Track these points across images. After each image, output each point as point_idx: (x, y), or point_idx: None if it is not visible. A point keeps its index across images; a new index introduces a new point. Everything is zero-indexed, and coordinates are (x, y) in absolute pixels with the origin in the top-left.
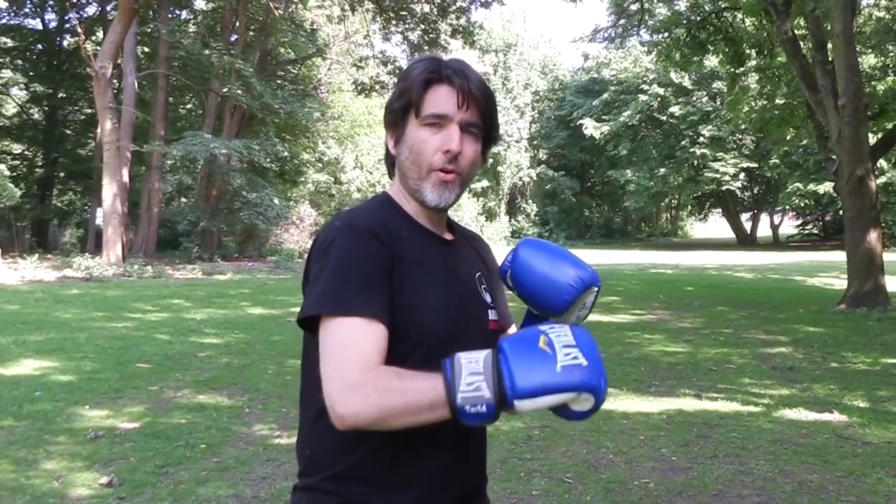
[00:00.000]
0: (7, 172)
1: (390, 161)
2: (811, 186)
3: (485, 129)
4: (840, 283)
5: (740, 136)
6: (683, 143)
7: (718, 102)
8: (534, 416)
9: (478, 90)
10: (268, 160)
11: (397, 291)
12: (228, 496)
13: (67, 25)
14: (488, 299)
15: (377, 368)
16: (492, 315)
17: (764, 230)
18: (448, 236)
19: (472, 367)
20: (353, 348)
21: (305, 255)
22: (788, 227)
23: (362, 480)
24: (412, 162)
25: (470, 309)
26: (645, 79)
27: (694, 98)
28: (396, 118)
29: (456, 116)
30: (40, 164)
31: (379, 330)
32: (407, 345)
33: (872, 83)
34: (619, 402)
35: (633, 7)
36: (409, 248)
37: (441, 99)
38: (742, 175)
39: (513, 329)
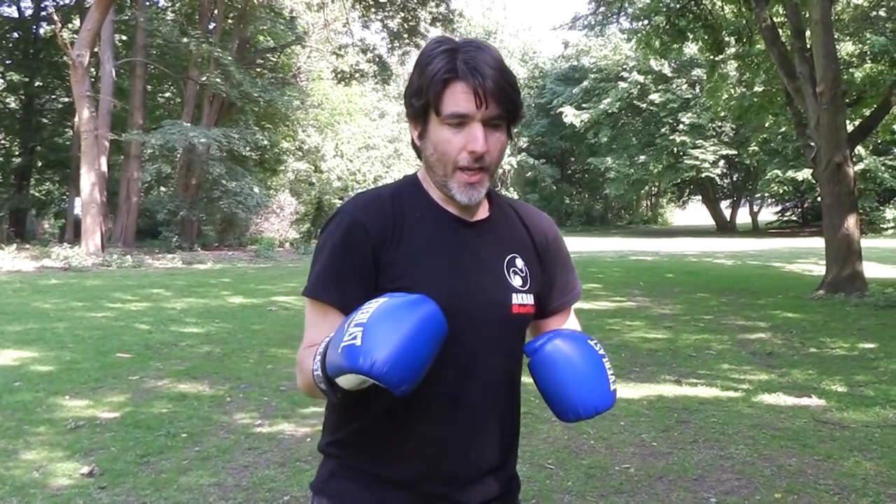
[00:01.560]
0: None
1: (416, 147)
2: (790, 173)
3: (508, 116)
4: (818, 269)
5: (720, 124)
6: (663, 130)
7: (698, 90)
8: None
9: (496, 84)
10: (247, 149)
11: (388, 274)
12: (210, 485)
13: (44, 13)
14: (517, 283)
15: (308, 349)
16: (518, 299)
17: (743, 217)
18: (478, 215)
19: (320, 348)
20: (307, 332)
21: (287, 244)
22: (767, 213)
23: (361, 448)
24: (437, 160)
25: (484, 291)
26: (625, 66)
27: (673, 85)
28: (417, 113)
29: (477, 115)
30: (17, 153)
31: (329, 318)
32: None
33: (850, 70)
34: None
35: None
36: (415, 230)
37: (460, 98)
38: (721, 162)
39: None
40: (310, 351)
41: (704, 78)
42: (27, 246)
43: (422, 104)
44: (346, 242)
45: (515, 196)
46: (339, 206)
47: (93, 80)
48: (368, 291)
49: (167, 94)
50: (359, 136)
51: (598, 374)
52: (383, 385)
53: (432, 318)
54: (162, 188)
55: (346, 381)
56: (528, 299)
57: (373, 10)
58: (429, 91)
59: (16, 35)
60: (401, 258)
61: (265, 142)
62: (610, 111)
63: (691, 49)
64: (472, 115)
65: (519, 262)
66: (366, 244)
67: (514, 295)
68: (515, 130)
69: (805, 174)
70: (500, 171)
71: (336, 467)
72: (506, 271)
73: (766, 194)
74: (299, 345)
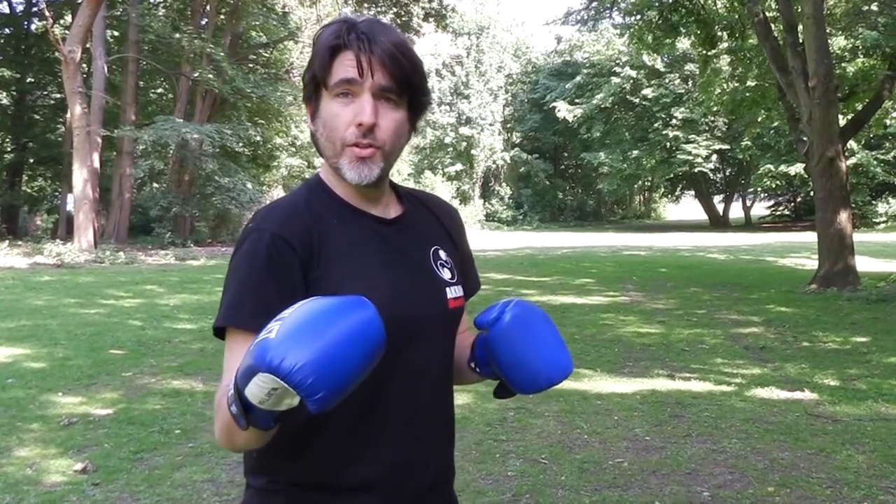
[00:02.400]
0: None
1: (314, 137)
2: (782, 168)
3: (405, 94)
4: (811, 263)
5: (712, 119)
6: (656, 125)
7: (690, 85)
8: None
9: (386, 53)
10: (240, 145)
11: (320, 291)
12: (204, 481)
13: (35, 9)
14: (447, 276)
15: (223, 383)
16: (452, 293)
17: (736, 212)
18: (393, 212)
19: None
20: (224, 367)
21: None
22: (760, 208)
23: (314, 485)
24: (326, 138)
25: (421, 290)
26: (617, 61)
27: (666, 80)
28: (310, 92)
29: (365, 83)
30: (9, 149)
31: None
32: None
33: (843, 65)
34: (594, 383)
35: None
36: (338, 238)
37: (347, 65)
38: (714, 157)
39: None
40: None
41: (697, 73)
42: (19, 242)
43: (310, 77)
44: (271, 262)
45: (508, 191)
46: (250, 221)
47: (85, 76)
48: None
49: (159, 90)
50: None
51: (559, 337)
52: (294, 388)
53: (370, 324)
54: (154, 184)
55: (254, 390)
56: (459, 291)
57: (365, 5)
58: (315, 61)
59: (7, 31)
60: (331, 272)
61: (258, 137)
62: (603, 106)
63: (684, 44)
64: (358, 82)
65: (443, 254)
66: (293, 262)
67: (447, 289)
68: (509, 126)
69: (798, 169)
70: (494, 165)
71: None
72: (434, 266)
73: (759, 189)
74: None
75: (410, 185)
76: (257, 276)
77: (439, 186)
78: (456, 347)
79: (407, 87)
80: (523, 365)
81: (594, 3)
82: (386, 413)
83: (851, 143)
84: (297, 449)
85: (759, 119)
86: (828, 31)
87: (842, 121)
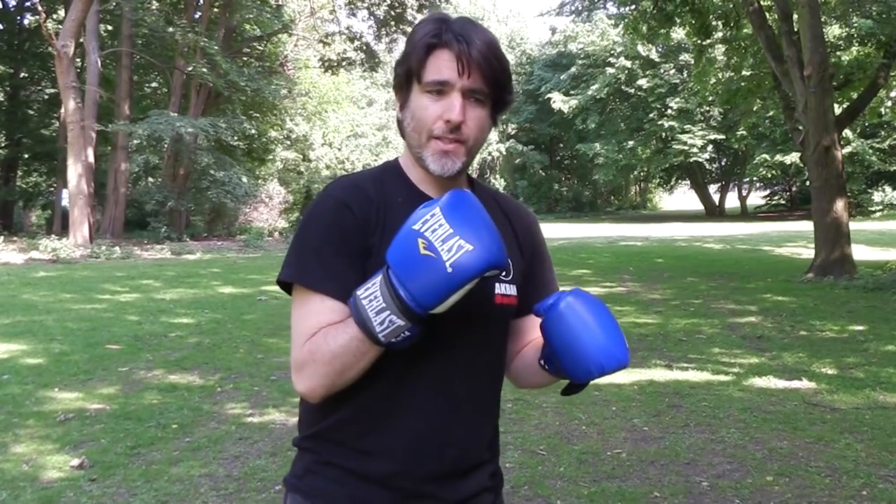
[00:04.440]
0: None
1: (400, 123)
2: (778, 157)
3: (492, 93)
4: (807, 252)
5: (708, 109)
6: (651, 115)
7: (686, 75)
8: (506, 389)
9: (481, 54)
10: (235, 138)
11: (375, 259)
12: (201, 475)
13: (28, 3)
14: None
15: (312, 338)
16: (502, 289)
17: (732, 201)
18: None
19: (374, 304)
20: (301, 325)
21: (276, 233)
22: (756, 197)
23: (338, 442)
24: (413, 129)
25: None
26: (612, 52)
27: (661, 71)
28: (401, 82)
29: (458, 83)
30: (3, 145)
31: (329, 305)
32: None
33: (837, 53)
34: None
35: None
36: (399, 215)
37: (442, 65)
38: (710, 147)
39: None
40: (325, 332)
41: (692, 63)
42: (15, 238)
43: (404, 71)
44: (336, 223)
45: (503, 183)
46: (320, 190)
47: (78, 70)
48: (361, 275)
49: (154, 84)
50: (347, 125)
51: (617, 327)
52: (494, 267)
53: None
54: (150, 179)
55: (459, 294)
56: (511, 290)
57: None
58: (412, 57)
59: (0, 26)
60: (386, 243)
61: (253, 131)
62: (598, 97)
63: (679, 34)
64: (452, 82)
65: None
66: (354, 225)
67: (496, 284)
68: (503, 117)
69: (793, 158)
70: (489, 157)
71: (311, 463)
72: None
73: (755, 178)
74: (290, 343)
75: None
76: (324, 238)
77: None
78: (528, 353)
79: (497, 86)
80: (575, 350)
81: None
82: (415, 389)
83: (847, 132)
84: (331, 407)
85: (755, 108)
86: (822, 19)
87: (837, 109)
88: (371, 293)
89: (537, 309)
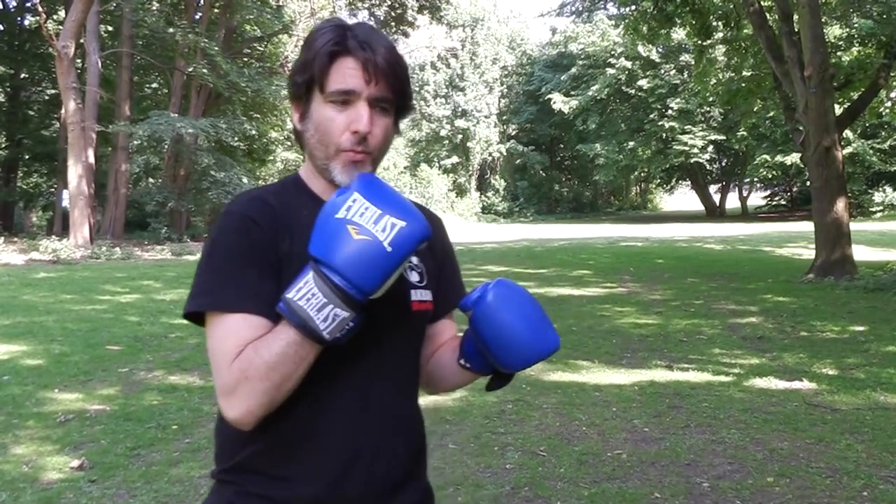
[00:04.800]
0: None
1: (297, 133)
2: (778, 158)
3: (397, 101)
4: (808, 252)
5: (708, 109)
6: (652, 116)
7: (686, 75)
8: (506, 390)
9: (386, 62)
10: (235, 139)
11: (287, 274)
12: (201, 477)
13: (28, 4)
14: (414, 278)
15: (240, 357)
16: (417, 295)
17: (732, 202)
18: None
19: (314, 301)
20: (222, 347)
21: None
22: (756, 198)
23: (260, 472)
24: (318, 141)
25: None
26: (612, 52)
27: (662, 71)
28: (300, 92)
29: (364, 93)
30: (4, 146)
31: (249, 322)
32: None
33: (838, 54)
34: (592, 375)
35: None
36: (307, 227)
37: (347, 73)
38: (710, 147)
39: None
40: (254, 346)
41: (692, 63)
42: (15, 239)
43: (305, 80)
44: (243, 239)
45: (504, 184)
46: (225, 206)
47: (79, 71)
48: (277, 287)
49: (154, 85)
50: None
51: (543, 313)
52: (423, 237)
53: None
54: (150, 179)
55: (398, 273)
56: (427, 295)
57: None
58: (314, 65)
59: (0, 27)
60: (296, 254)
61: (253, 132)
62: (598, 97)
63: (679, 34)
64: (358, 91)
65: (413, 258)
66: (262, 237)
67: (412, 291)
68: (504, 118)
69: (794, 158)
70: (490, 158)
71: (233, 495)
72: None
73: (755, 179)
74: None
75: (406, 178)
76: (234, 257)
77: (435, 179)
78: (443, 355)
79: (400, 94)
80: (511, 341)
81: None
82: (336, 408)
83: (847, 133)
84: (250, 435)
85: (755, 109)
86: (823, 20)
87: (837, 110)
88: (306, 292)
89: (464, 304)
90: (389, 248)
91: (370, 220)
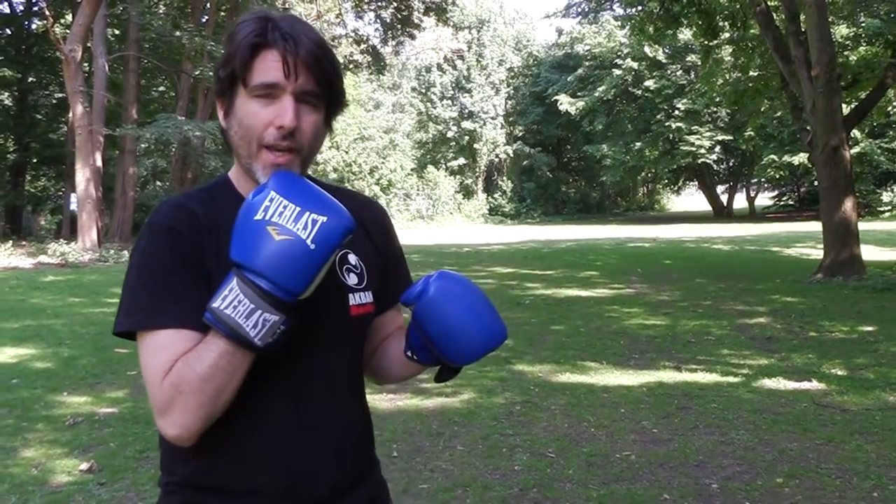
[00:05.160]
0: None
1: (224, 132)
2: (786, 158)
3: (325, 95)
4: (816, 252)
5: (715, 109)
6: (658, 116)
7: (693, 76)
8: (515, 392)
9: (310, 54)
10: None
11: (217, 282)
12: None
13: (35, 8)
14: (353, 281)
15: (171, 371)
16: (356, 299)
17: (740, 202)
18: None
19: (241, 308)
20: (153, 363)
21: None
22: (764, 198)
23: (206, 488)
24: (241, 137)
25: (317, 294)
26: (619, 53)
27: (668, 72)
28: (224, 88)
29: (288, 86)
30: (12, 149)
31: (181, 336)
32: None
33: (845, 53)
34: (600, 376)
35: None
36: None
37: (269, 66)
38: (717, 148)
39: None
40: (185, 360)
41: (699, 63)
42: (23, 242)
43: (228, 74)
44: (168, 251)
45: (510, 185)
46: (148, 217)
47: (86, 75)
48: (208, 297)
49: (161, 88)
50: (354, 128)
51: (490, 304)
52: (347, 230)
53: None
54: (158, 182)
55: (325, 270)
56: (367, 297)
57: (365, 0)
58: (235, 58)
59: (7, 31)
60: (223, 267)
61: None
62: (605, 98)
63: (685, 35)
64: (281, 85)
65: (352, 258)
66: (189, 248)
67: (350, 295)
68: (511, 119)
69: (801, 158)
70: (496, 159)
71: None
72: (338, 271)
73: (763, 179)
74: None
75: (413, 179)
76: (156, 272)
77: (442, 181)
78: (389, 345)
79: (329, 90)
80: (457, 335)
81: None
82: (276, 418)
83: (855, 132)
84: (190, 451)
85: (762, 109)
86: (830, 19)
87: (845, 109)
88: (232, 300)
89: (406, 298)
90: (313, 246)
91: (290, 219)
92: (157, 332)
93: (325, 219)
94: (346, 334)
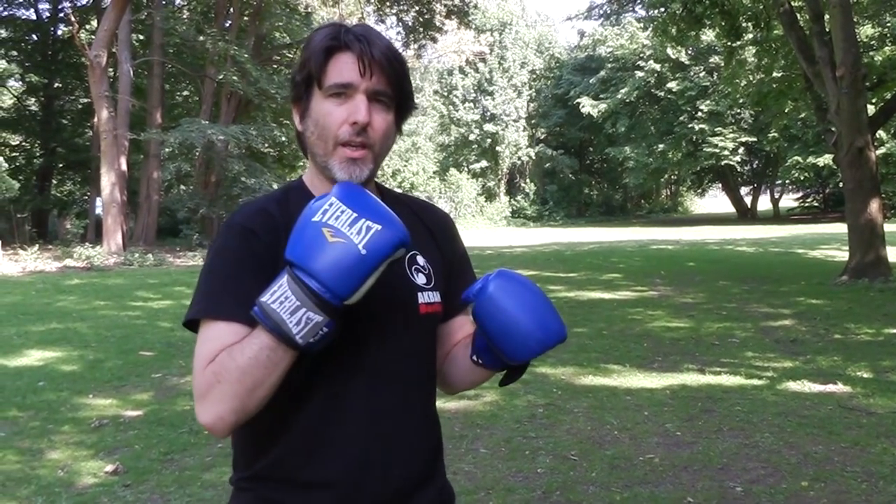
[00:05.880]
0: (5, 165)
1: (300, 138)
2: (810, 159)
3: (396, 97)
4: (841, 254)
5: (738, 111)
6: (682, 118)
7: (716, 77)
8: (537, 394)
9: (382, 56)
10: (265, 145)
11: None
12: None
13: (61, 15)
14: (421, 281)
15: (214, 360)
16: (425, 297)
17: (764, 204)
18: None
19: (287, 305)
20: (202, 350)
21: None
22: (788, 200)
23: (278, 479)
24: (318, 136)
25: (387, 293)
26: (641, 55)
27: (691, 73)
28: (300, 92)
29: (361, 85)
30: (38, 154)
31: (234, 329)
32: None
33: (870, 53)
34: (623, 379)
35: None
36: None
37: (343, 67)
38: (741, 149)
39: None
40: (229, 351)
41: (722, 65)
42: (50, 246)
43: (304, 77)
44: (243, 251)
45: (533, 188)
46: (223, 221)
47: (111, 80)
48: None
49: (185, 93)
50: None
51: (548, 302)
52: (401, 243)
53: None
54: (182, 186)
55: (373, 279)
56: (435, 297)
57: (388, 4)
58: (311, 62)
59: (34, 37)
60: None
61: (283, 138)
62: (627, 100)
63: (708, 36)
64: (355, 84)
65: (420, 260)
66: (262, 250)
67: (419, 294)
68: (533, 122)
69: (826, 159)
70: (518, 162)
71: (251, 501)
72: (408, 270)
73: (787, 181)
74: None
75: (436, 182)
76: (234, 269)
77: (465, 184)
78: (457, 353)
79: (399, 91)
80: (513, 331)
81: None
82: (348, 412)
83: (880, 133)
84: (265, 444)
85: (786, 110)
86: (855, 19)
87: (870, 110)
88: (280, 295)
89: (466, 296)
90: (364, 252)
91: (345, 223)
92: (213, 324)
93: (379, 227)
94: (416, 332)
